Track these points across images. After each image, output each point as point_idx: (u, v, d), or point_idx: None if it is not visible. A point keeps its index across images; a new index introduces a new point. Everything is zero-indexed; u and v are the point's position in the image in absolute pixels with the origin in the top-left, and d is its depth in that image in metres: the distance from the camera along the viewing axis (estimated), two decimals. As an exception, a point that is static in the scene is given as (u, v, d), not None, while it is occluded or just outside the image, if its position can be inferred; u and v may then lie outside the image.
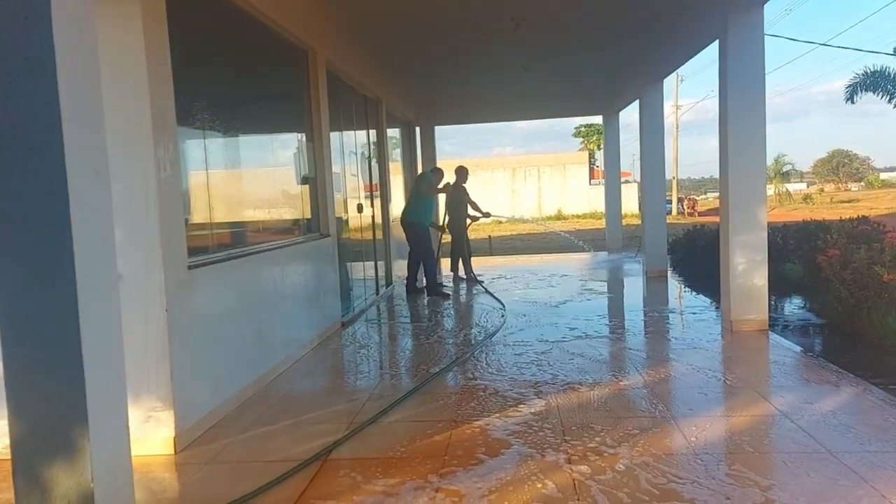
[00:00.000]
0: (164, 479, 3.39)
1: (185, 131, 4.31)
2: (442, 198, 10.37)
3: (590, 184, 39.12)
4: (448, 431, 3.80)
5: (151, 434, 3.61)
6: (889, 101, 19.79)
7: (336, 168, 7.25)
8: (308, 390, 4.92)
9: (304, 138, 6.55)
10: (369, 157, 9.29)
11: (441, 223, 10.30)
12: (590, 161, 41.96)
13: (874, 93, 19.87)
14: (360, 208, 8.36)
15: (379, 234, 9.50)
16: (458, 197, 10.16)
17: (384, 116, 9.83)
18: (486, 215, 10.34)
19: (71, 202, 2.34)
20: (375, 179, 9.58)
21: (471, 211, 10.24)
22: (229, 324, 4.44)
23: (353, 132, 8.41)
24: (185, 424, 3.73)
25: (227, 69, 5.23)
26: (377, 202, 9.55)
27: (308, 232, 6.48)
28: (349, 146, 8.20)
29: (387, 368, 5.63)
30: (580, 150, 47.87)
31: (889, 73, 19.76)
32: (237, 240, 5.13)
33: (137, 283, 3.53)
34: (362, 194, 8.75)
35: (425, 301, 8.74)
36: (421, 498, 2.98)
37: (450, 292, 9.28)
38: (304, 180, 6.51)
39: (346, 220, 7.85)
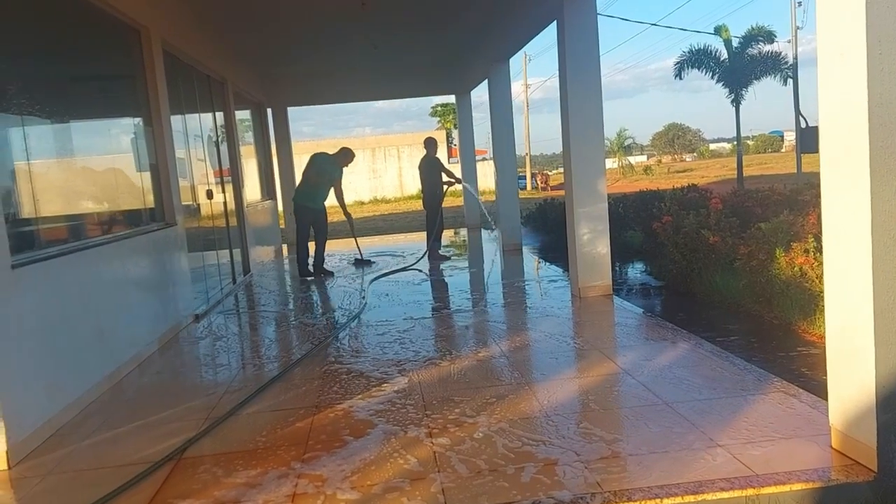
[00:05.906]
0: (-4, 498, 3.11)
1: (-1, 117, 3.92)
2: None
3: (448, 162, 39.51)
4: (310, 417, 3.76)
5: (-21, 451, 3.29)
6: (712, 77, 21.64)
7: (181, 153, 6.87)
8: (160, 389, 4.67)
9: (141, 122, 6.14)
10: (217, 140, 8.88)
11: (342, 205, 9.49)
12: (447, 140, 42.42)
13: (699, 69, 21.65)
14: (209, 194, 7.99)
15: (233, 221, 9.14)
16: (432, 169, 9.89)
17: (231, 97, 9.42)
18: (458, 181, 10.20)
19: None
20: (226, 164, 9.18)
21: (445, 178, 9.98)
22: (65, 325, 4.11)
23: (197, 115, 7.99)
24: (18, 436, 3.43)
25: (47, 50, 4.78)
26: (229, 187, 9.17)
27: (151, 222, 6.11)
28: (194, 130, 7.79)
29: (246, 359, 5.45)
30: (438, 129, 48.36)
31: (711, 52, 21.57)
32: (70, 234, 4.75)
33: (-50, 288, 3.18)
34: (212, 180, 8.36)
35: (287, 286, 8.55)
36: (284, 486, 2.94)
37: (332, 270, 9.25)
38: (144, 167, 6.12)
39: (196, 208, 7.48)
